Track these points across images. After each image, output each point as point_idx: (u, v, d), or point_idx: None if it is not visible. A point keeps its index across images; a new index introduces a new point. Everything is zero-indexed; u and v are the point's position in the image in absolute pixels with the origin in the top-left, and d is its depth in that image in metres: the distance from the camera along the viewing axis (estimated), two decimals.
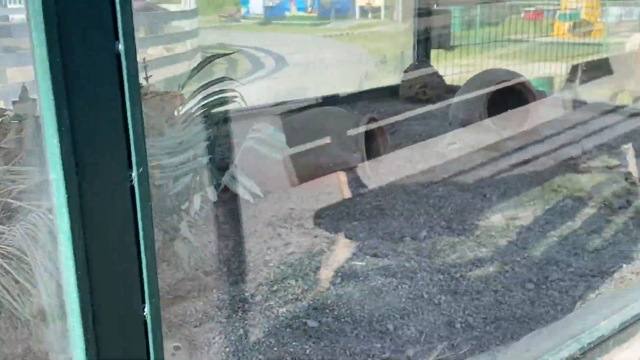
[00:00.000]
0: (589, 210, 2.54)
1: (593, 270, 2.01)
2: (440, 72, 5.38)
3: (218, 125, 1.96)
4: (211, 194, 1.71)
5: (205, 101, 1.86)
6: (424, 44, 5.49)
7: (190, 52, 16.38)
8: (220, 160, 1.98)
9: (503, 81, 3.32)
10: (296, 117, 2.97)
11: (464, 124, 3.41)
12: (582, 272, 2.01)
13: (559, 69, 7.85)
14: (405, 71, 5.13)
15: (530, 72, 7.35)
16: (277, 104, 4.64)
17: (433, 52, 5.60)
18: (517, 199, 2.65)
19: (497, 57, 6.68)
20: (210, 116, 1.90)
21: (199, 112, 1.89)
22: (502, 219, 2.43)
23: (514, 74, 3.52)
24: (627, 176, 2.78)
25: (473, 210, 2.51)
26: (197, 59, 17.17)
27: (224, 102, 1.90)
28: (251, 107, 4.49)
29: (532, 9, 17.08)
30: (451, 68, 5.68)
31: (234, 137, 2.05)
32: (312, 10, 26.76)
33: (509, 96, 3.39)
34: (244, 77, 14.94)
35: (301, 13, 27.10)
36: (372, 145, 2.87)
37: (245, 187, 1.65)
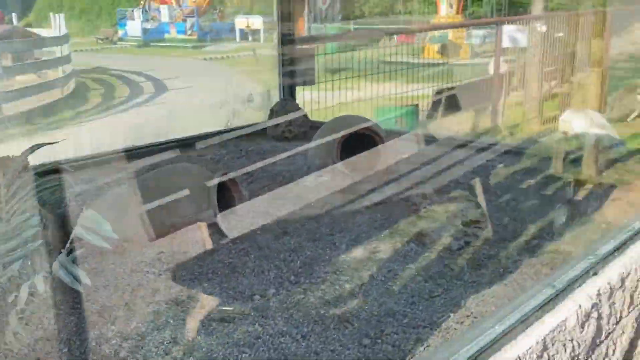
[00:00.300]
0: (429, 254, 2.73)
1: (425, 321, 2.16)
2: (308, 108, 5.56)
3: (52, 205, 1.93)
4: (40, 283, 1.68)
5: (36, 187, 1.83)
6: (290, 79, 5.62)
7: (64, 78, 15.72)
8: (54, 244, 1.95)
9: (353, 127, 3.49)
10: (148, 175, 2.96)
11: (319, 168, 3.55)
12: (416, 323, 2.15)
13: (428, 91, 8.26)
14: (272, 109, 5.25)
15: (398, 99, 7.66)
16: (140, 148, 4.60)
17: (299, 87, 5.75)
18: (364, 247, 2.79)
19: (365, 84, 6.90)
20: (42, 198, 1.87)
21: (30, 195, 1.85)
22: (348, 270, 2.55)
23: (363, 119, 3.72)
24: (465, 219, 3.01)
25: (322, 261, 2.62)
26: (72, 84, 16.39)
27: (55, 190, 1.88)
28: (109, 151, 4.42)
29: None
30: (316, 103, 5.86)
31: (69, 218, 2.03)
32: (192, 32, 26.57)
33: (360, 141, 3.57)
34: (120, 105, 14.51)
35: (181, 36, 26.82)
36: (226, 199, 2.92)
37: (74, 276, 1.64)
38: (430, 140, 4.56)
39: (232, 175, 2.97)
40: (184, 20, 27.32)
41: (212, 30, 26.59)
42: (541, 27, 10.68)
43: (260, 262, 2.60)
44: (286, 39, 5.94)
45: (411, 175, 3.71)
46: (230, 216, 2.91)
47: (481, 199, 3.58)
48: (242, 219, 2.98)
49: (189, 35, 26.71)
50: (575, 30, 10.37)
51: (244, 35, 24.99)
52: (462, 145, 4.52)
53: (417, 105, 7.69)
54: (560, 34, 10.27)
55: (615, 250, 2.67)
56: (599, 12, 12.13)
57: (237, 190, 2.95)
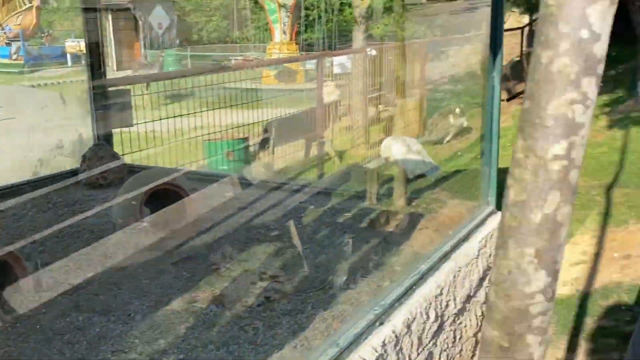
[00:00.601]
0: (227, 317, 2.71)
1: None
2: (126, 150, 5.37)
3: None
4: None
5: None
6: (104, 121, 5.37)
7: None
8: None
9: (156, 182, 3.41)
10: None
11: (123, 227, 3.42)
12: None
13: (262, 120, 8.28)
14: (84, 155, 4.99)
15: (230, 130, 7.60)
16: None
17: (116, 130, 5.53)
18: (162, 314, 2.71)
19: (200, 115, 6.77)
20: None
21: None
22: (139, 345, 2.46)
23: (168, 173, 3.65)
24: (263, 275, 3.03)
25: (111, 339, 2.50)
26: None
27: None
28: None
29: (241, 57, 18.04)
30: (137, 144, 5.68)
31: None
32: (18, 57, 24.76)
33: (166, 195, 3.49)
34: None
35: (5, 60, 24.89)
36: (8, 276, 2.71)
37: None
38: (246, 184, 4.58)
39: (14, 246, 2.76)
40: (9, 44, 25.44)
41: (41, 55, 24.98)
42: (371, 52, 11.24)
43: (41, 347, 2.43)
44: (97, 74, 5.50)
45: (219, 227, 3.68)
46: (14, 294, 2.69)
47: (297, 242, 3.64)
48: (27, 296, 2.77)
49: (15, 59, 24.90)
50: (399, 57, 11.02)
51: (76, 59, 23.71)
52: (278, 187, 4.59)
53: (246, 138, 7.72)
54: (388, 59, 10.85)
55: (402, 296, 2.82)
56: (419, 41, 13.01)
57: (19, 264, 2.75)
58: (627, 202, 5.29)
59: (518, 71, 11.99)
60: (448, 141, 9.42)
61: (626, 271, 4.28)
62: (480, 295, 3.62)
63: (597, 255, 4.60)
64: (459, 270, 3.29)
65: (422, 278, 3.00)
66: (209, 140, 7.33)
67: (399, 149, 7.86)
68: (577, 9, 0.55)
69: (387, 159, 8.01)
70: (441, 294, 3.07)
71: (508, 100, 11.14)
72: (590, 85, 0.57)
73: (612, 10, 0.55)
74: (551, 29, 0.59)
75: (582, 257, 4.65)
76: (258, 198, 4.36)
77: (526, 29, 13.14)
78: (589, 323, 3.72)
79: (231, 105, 7.35)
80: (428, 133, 9.77)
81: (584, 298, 4.04)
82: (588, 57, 0.56)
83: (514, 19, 14.67)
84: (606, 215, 5.17)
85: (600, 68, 0.57)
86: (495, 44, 3.69)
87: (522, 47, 12.65)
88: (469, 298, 3.43)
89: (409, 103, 10.60)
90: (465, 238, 3.55)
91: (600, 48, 0.56)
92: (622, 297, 3.92)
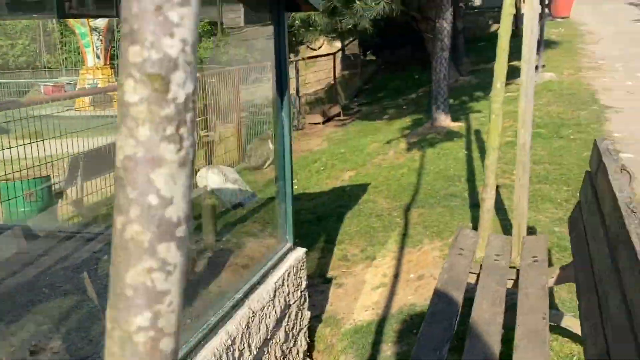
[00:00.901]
0: None
1: None
2: None
3: None
4: None
5: None
6: None
7: None
8: None
9: None
10: None
11: None
12: None
13: (79, 147, 7.67)
14: None
15: (32, 167, 6.98)
16: None
17: None
18: None
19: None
20: None
21: None
22: None
23: None
24: (34, 348, 2.79)
25: None
26: None
27: None
28: None
29: (51, 83, 16.93)
30: None
31: None
32: None
33: None
34: None
35: None
36: None
37: None
38: (31, 236, 4.22)
39: None
40: None
41: None
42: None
43: None
44: None
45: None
46: None
47: (92, 296, 3.41)
48: None
49: None
50: (218, 81, 10.96)
51: None
52: (71, 237, 4.29)
53: (48, 176, 7.18)
54: (210, 82, 10.71)
55: (187, 356, 2.74)
56: (238, 65, 13.07)
57: None
58: (422, 222, 5.65)
59: (332, 94, 12.48)
60: (268, 166, 9.51)
61: (420, 292, 4.55)
62: (279, 337, 3.65)
63: (396, 277, 4.86)
64: (254, 316, 3.28)
65: (212, 331, 2.94)
66: (5, 180, 6.71)
67: (214, 179, 7.80)
68: (142, 173, 0.51)
69: (205, 189, 7.91)
70: (233, 343, 3.03)
71: (324, 123, 11.54)
72: (169, 251, 0.53)
73: (183, 172, 0.52)
74: (121, 194, 0.54)
75: (383, 280, 4.89)
76: (47, 251, 4.04)
77: (339, 54, 13.75)
78: (385, 349, 3.89)
79: (38, 139, 6.74)
80: (247, 159, 9.80)
81: (382, 323, 4.23)
82: (161, 222, 0.52)
83: (327, 44, 15.28)
84: (404, 236, 5.49)
85: (181, 231, 0.53)
86: (281, 86, 3.77)
87: (334, 71, 13.21)
88: (266, 342, 3.43)
89: (229, 128, 10.56)
90: (261, 280, 3.55)
91: (175, 211, 0.52)
92: (414, 319, 4.15)
